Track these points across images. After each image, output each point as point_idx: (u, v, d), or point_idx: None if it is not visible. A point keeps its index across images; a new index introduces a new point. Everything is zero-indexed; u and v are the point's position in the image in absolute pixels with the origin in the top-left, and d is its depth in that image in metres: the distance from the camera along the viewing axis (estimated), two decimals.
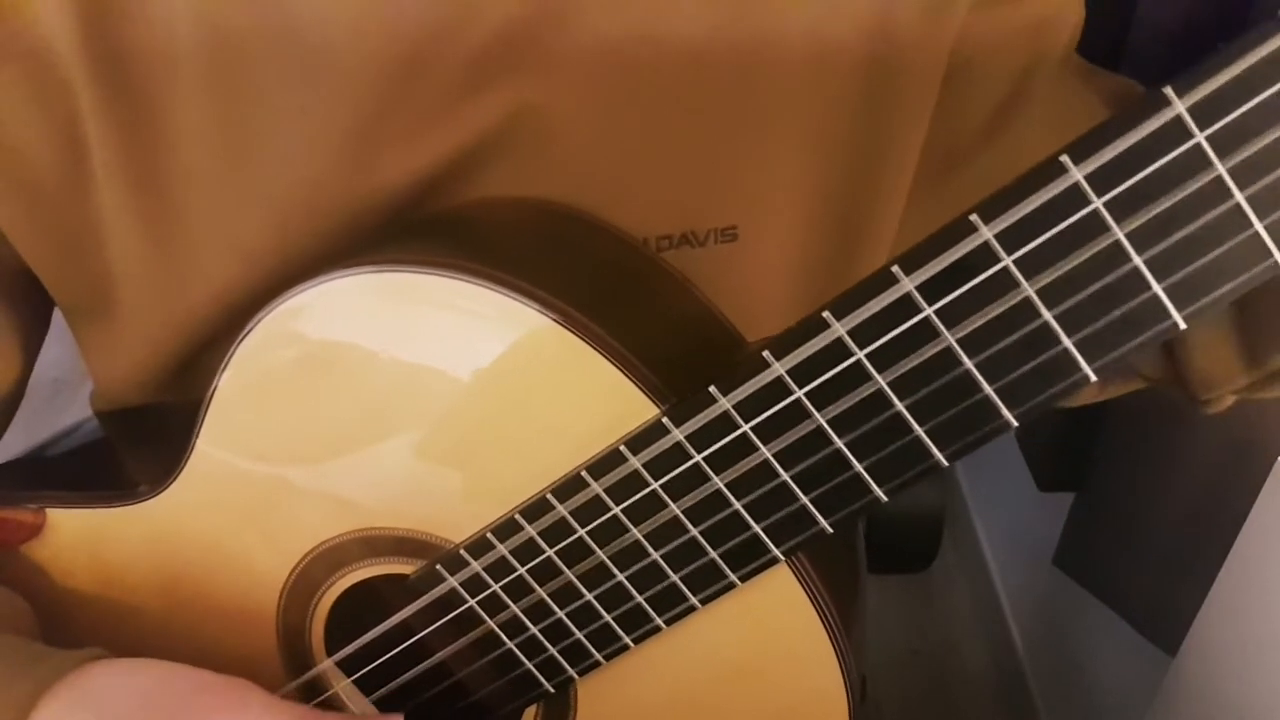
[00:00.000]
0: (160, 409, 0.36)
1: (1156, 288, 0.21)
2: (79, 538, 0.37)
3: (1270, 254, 0.20)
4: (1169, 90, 0.19)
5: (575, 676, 0.32)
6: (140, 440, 0.39)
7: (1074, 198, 0.20)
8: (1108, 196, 0.20)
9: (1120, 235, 0.21)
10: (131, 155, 0.32)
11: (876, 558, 0.46)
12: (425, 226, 0.33)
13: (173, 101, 0.32)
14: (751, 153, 0.33)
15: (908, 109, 0.33)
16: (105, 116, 0.31)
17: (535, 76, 0.32)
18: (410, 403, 0.30)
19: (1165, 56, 0.42)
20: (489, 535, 0.30)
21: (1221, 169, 0.19)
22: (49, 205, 0.33)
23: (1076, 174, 0.20)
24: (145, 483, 0.35)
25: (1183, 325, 0.21)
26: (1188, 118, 0.19)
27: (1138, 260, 0.21)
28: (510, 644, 0.32)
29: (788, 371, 0.24)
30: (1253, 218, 0.20)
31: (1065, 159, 0.20)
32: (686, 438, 0.26)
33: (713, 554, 0.28)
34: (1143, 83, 0.37)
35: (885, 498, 0.25)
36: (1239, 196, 0.20)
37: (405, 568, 0.33)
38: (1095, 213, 0.20)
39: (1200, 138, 0.19)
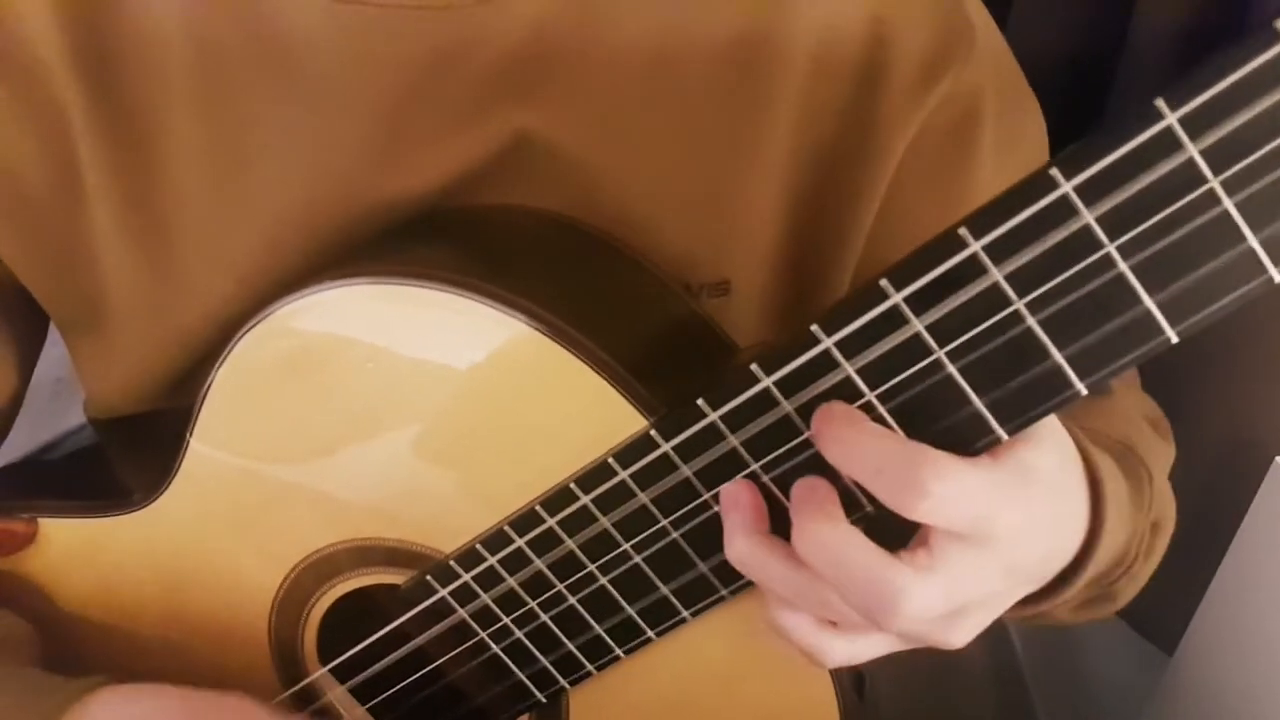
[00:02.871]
0: (153, 417, 0.37)
1: (1148, 302, 0.20)
2: (71, 547, 0.37)
3: (1265, 269, 0.20)
4: (1160, 102, 0.19)
5: (567, 686, 0.32)
6: (133, 448, 0.39)
7: (1064, 211, 0.20)
8: (1098, 210, 0.20)
9: (1111, 249, 0.20)
10: (123, 173, 0.32)
11: None
12: (422, 231, 0.33)
13: (164, 120, 0.32)
14: (744, 202, 0.33)
15: (876, 166, 0.33)
16: (96, 135, 0.31)
17: (533, 110, 0.32)
18: (400, 412, 0.30)
19: (1163, 61, 0.42)
20: (478, 546, 0.30)
21: (1214, 182, 0.19)
22: (41, 222, 0.33)
23: (1066, 186, 0.20)
24: (138, 489, 0.35)
25: (1174, 339, 0.21)
26: (1179, 130, 0.19)
27: (1129, 274, 0.20)
28: (502, 654, 0.32)
29: (776, 384, 0.24)
30: (1247, 232, 0.19)
31: (1055, 172, 0.20)
32: (674, 450, 0.26)
33: (703, 567, 0.28)
34: (1140, 88, 0.37)
35: (874, 512, 0.25)
36: (1233, 211, 0.19)
37: (396, 578, 0.33)
38: (1086, 226, 0.20)
39: (1193, 150, 0.19)
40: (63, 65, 0.30)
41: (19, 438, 0.41)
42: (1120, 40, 0.43)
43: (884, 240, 0.35)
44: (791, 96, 0.32)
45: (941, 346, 0.22)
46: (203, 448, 0.32)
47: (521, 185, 0.32)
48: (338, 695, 0.37)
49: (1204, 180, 0.19)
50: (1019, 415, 0.23)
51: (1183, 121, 0.19)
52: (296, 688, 0.37)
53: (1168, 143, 0.19)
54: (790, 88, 0.32)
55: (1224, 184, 0.19)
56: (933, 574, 0.23)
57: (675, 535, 0.28)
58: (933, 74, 0.32)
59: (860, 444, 0.23)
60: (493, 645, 0.32)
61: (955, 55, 0.33)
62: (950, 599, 0.24)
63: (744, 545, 0.25)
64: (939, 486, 0.22)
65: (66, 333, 0.36)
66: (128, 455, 0.39)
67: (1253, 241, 0.19)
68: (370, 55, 0.31)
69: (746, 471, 0.26)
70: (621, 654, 0.31)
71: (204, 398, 0.31)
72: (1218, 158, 0.19)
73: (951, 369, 0.22)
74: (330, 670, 0.36)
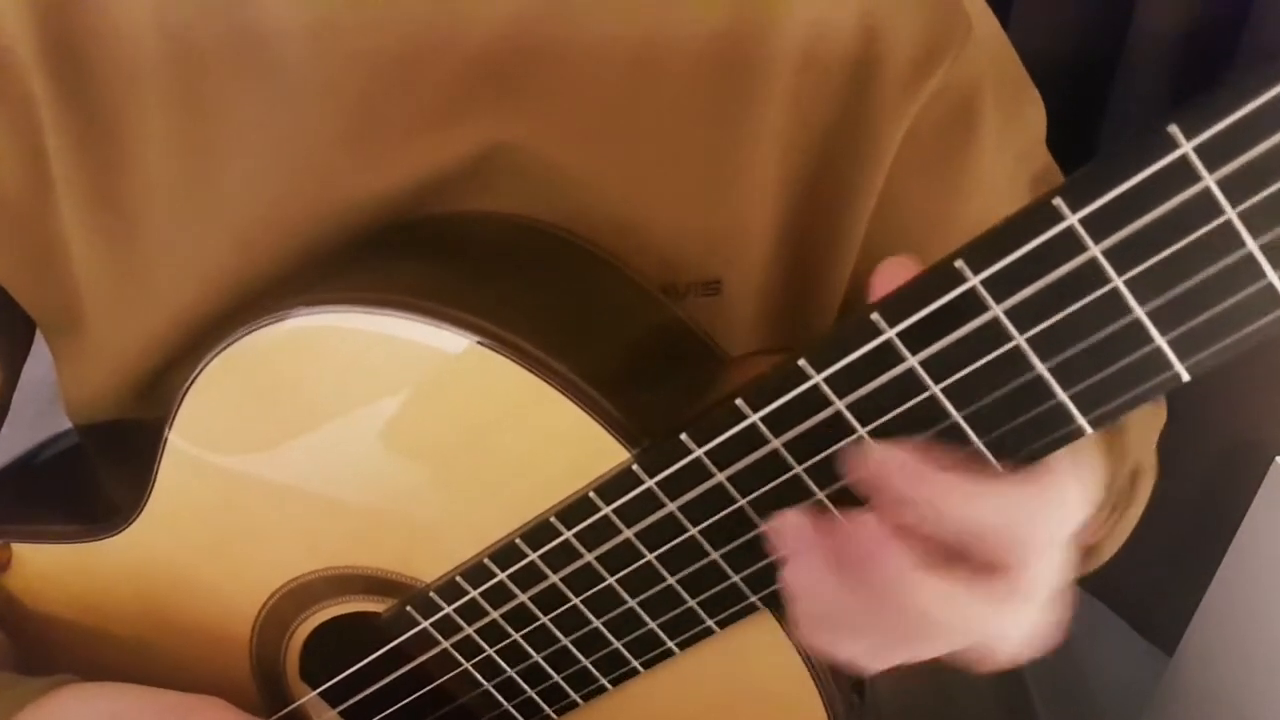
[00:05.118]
0: (128, 427, 0.36)
1: (1159, 340, 0.19)
2: (48, 571, 0.36)
3: None
4: (1175, 129, 0.17)
5: (554, 716, 0.32)
6: (112, 457, 0.38)
7: (1069, 244, 0.19)
8: (1106, 243, 0.19)
9: (1119, 284, 0.19)
10: (92, 170, 0.31)
11: None
12: (396, 245, 0.31)
13: (134, 116, 0.31)
14: (734, 200, 0.32)
15: (872, 160, 0.32)
16: (66, 131, 0.30)
17: (513, 110, 0.31)
18: (375, 439, 0.29)
19: (1163, 62, 0.40)
20: (458, 579, 0.29)
21: (1232, 214, 0.18)
22: (13, 219, 0.32)
23: (1072, 219, 0.19)
24: (118, 501, 0.34)
25: (1186, 377, 0.20)
26: (1195, 159, 0.17)
27: (1139, 311, 0.19)
28: (487, 684, 0.31)
29: (763, 420, 0.23)
30: (1266, 266, 0.18)
31: (1059, 202, 0.18)
32: (658, 485, 0.25)
33: (690, 602, 0.27)
34: (1140, 89, 0.36)
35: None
36: (1251, 244, 0.18)
37: (376, 606, 0.32)
38: (1093, 260, 0.19)
39: (1209, 180, 0.18)
40: (33, 58, 0.29)
41: (20, 440, 0.40)
42: (1120, 40, 0.42)
43: (883, 234, 0.34)
44: (781, 92, 0.31)
45: (937, 383, 0.21)
46: (177, 464, 0.31)
47: (498, 188, 0.31)
48: (327, 719, 0.36)
49: (1221, 212, 0.18)
50: (1018, 451, 0.22)
51: (1199, 150, 0.17)
52: (282, 714, 0.36)
53: (1182, 172, 0.18)
54: (780, 83, 0.31)
55: (1242, 216, 0.18)
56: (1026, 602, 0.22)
57: (661, 569, 0.27)
58: (926, 66, 0.31)
59: (967, 505, 0.20)
60: (477, 675, 0.31)
61: (950, 46, 0.32)
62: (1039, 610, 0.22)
63: (814, 573, 0.22)
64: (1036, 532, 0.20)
65: (46, 333, 0.36)
66: (108, 465, 0.38)
67: (1272, 276, 0.18)
68: (342, 47, 0.30)
69: (733, 508, 0.25)
70: (608, 685, 0.30)
71: (177, 409, 0.30)
72: (1236, 188, 0.17)
73: (949, 407, 0.21)
74: (315, 695, 0.35)
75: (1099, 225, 0.18)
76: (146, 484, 0.32)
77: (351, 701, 0.35)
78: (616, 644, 0.29)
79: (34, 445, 0.45)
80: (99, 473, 0.39)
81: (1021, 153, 0.35)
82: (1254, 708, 0.50)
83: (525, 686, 0.31)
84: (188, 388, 0.29)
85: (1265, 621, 0.49)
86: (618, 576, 0.27)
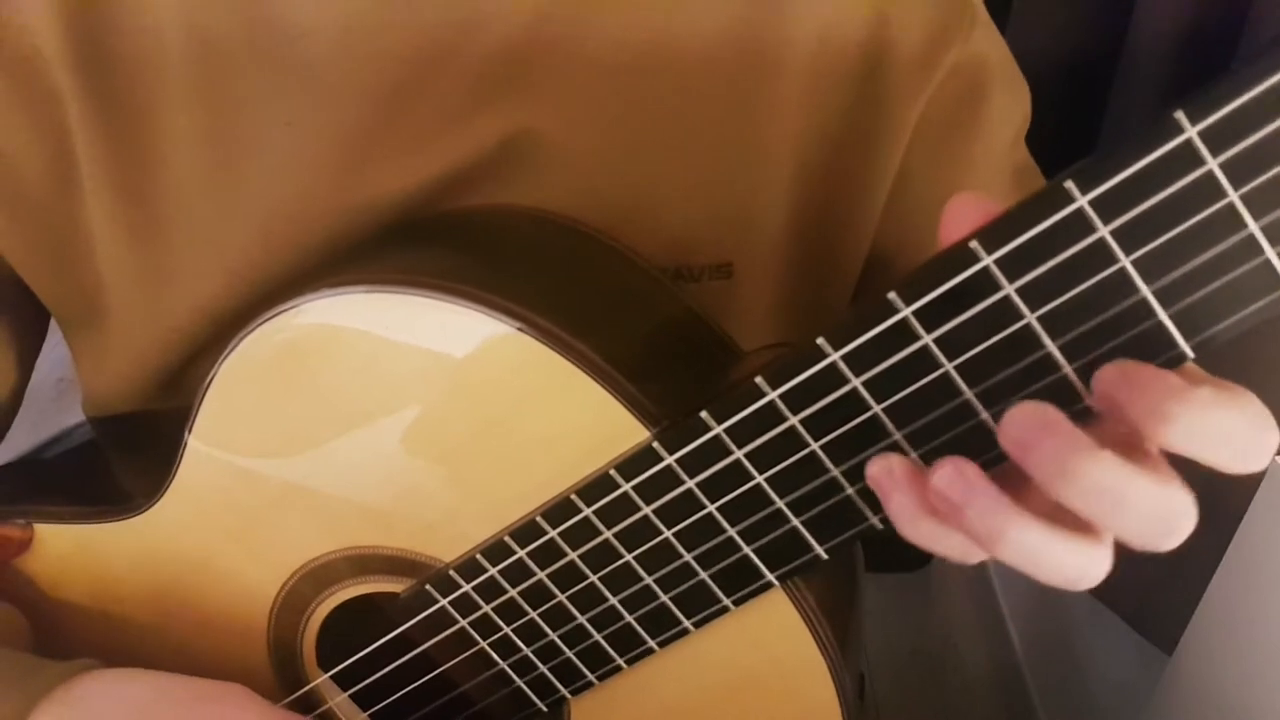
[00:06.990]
0: (149, 418, 0.36)
1: (1163, 317, 0.20)
2: (68, 552, 0.36)
3: None
4: (1180, 115, 0.18)
5: (568, 695, 0.32)
6: (130, 449, 0.38)
7: (1079, 224, 0.20)
8: (1114, 224, 0.19)
9: (1126, 263, 0.20)
10: (119, 166, 0.32)
11: (874, 556, 0.46)
12: (419, 234, 0.32)
13: (161, 112, 0.31)
14: (748, 185, 0.33)
15: (888, 142, 0.33)
16: (93, 126, 0.31)
17: (532, 102, 0.31)
18: (397, 418, 0.30)
19: (1163, 62, 0.41)
20: (478, 557, 0.30)
21: (1234, 196, 0.19)
22: (38, 213, 0.32)
23: (1081, 200, 0.19)
24: (135, 492, 0.35)
25: (1191, 355, 0.20)
26: (1199, 143, 0.18)
27: (1144, 289, 0.20)
28: (502, 664, 0.32)
29: (781, 398, 0.24)
30: (1266, 247, 0.19)
31: (1070, 185, 0.19)
32: (678, 462, 0.26)
33: (705, 578, 0.28)
34: (1139, 88, 0.37)
35: (881, 526, 0.25)
36: (1252, 226, 0.19)
37: (395, 586, 0.33)
38: (1101, 240, 0.20)
39: (1213, 164, 0.18)
40: (60, 55, 0.30)
41: (21, 438, 0.40)
42: (1120, 40, 0.43)
43: (899, 213, 0.35)
44: (794, 79, 0.32)
45: (950, 360, 0.22)
46: (201, 447, 0.32)
47: (517, 178, 0.32)
48: (338, 702, 0.37)
49: (1224, 194, 0.19)
50: None
51: (1203, 135, 0.18)
52: (297, 694, 0.37)
53: (1187, 156, 0.18)
54: (793, 70, 0.32)
55: (1244, 198, 0.19)
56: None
57: (678, 546, 0.27)
58: (937, 49, 0.32)
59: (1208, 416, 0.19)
60: (493, 654, 0.32)
61: (959, 27, 0.33)
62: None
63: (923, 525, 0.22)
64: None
65: (65, 328, 0.36)
66: (125, 456, 0.39)
67: (1271, 256, 0.19)
68: (367, 44, 0.30)
69: (752, 485, 0.25)
70: (623, 664, 0.30)
71: (202, 397, 0.31)
72: (1238, 172, 0.18)
73: (960, 383, 0.22)
74: (331, 677, 0.36)
75: (1108, 207, 0.19)
76: (167, 471, 0.33)
77: (367, 682, 0.35)
78: (631, 621, 0.29)
79: (39, 443, 0.46)
80: (114, 465, 0.39)
81: (1014, 137, 0.36)
82: (1253, 708, 0.50)
83: (540, 665, 0.31)
84: (216, 368, 0.30)
85: (1265, 621, 0.49)
86: (635, 553, 0.28)
